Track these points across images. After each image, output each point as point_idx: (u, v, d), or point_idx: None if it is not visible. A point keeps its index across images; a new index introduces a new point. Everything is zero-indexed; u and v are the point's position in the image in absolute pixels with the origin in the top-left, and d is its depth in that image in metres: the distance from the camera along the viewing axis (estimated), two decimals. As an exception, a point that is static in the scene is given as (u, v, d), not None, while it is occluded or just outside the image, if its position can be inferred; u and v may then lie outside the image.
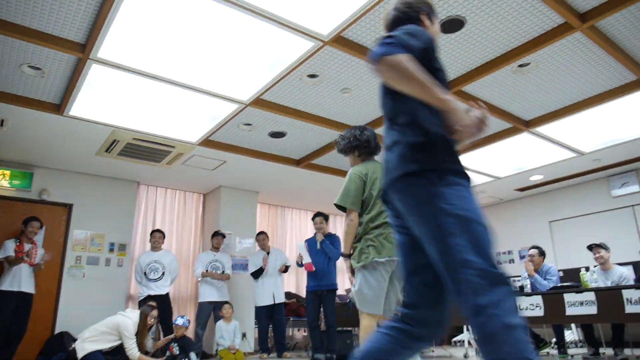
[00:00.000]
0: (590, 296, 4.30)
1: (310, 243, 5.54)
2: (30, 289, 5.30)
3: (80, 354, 4.50)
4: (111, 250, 6.68)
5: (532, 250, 5.72)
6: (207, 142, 5.72)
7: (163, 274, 6.06)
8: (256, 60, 4.02)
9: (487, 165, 6.70)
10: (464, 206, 1.43)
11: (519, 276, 5.82)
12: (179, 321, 5.46)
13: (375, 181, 3.00)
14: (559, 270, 5.85)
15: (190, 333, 6.00)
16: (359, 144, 3.16)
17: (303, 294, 6.94)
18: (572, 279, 5.63)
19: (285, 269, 6.29)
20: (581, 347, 6.23)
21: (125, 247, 6.81)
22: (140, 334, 4.79)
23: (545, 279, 5.45)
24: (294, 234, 8.99)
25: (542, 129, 5.43)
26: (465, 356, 5.43)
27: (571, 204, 7.66)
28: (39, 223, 5.55)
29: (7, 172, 6.08)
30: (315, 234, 5.58)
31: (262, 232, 6.61)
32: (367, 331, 2.84)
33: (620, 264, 5.42)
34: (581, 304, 4.36)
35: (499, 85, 4.57)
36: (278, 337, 6.06)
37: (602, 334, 5.29)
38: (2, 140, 5.51)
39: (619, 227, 6.98)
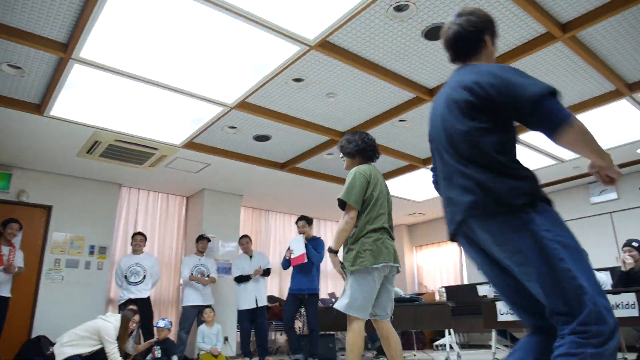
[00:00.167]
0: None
1: (295, 242, 5.54)
2: (6, 292, 5.18)
3: (58, 358, 4.42)
4: (91, 253, 6.58)
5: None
6: (191, 144, 5.68)
7: (144, 277, 5.98)
8: (242, 63, 4.01)
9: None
10: (561, 232, 1.47)
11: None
12: (161, 323, 5.40)
13: (377, 183, 3.03)
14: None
15: (172, 336, 5.93)
16: (365, 147, 3.19)
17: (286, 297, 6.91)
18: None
19: (265, 272, 6.24)
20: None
21: (105, 250, 6.71)
22: (121, 339, 4.72)
23: (525, 284, 5.50)
24: (277, 237, 8.96)
25: (524, 136, 5.51)
26: (447, 360, 5.47)
27: (551, 210, 7.77)
28: (18, 225, 5.42)
29: (-15, 173, 5.96)
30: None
31: (245, 236, 6.58)
32: (357, 335, 2.83)
33: (598, 270, 5.51)
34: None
35: (482, 92, 4.62)
36: (260, 341, 6.03)
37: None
38: (-20, 140, 5.40)
39: (597, 234, 7.12)
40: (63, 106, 4.66)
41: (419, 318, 5.78)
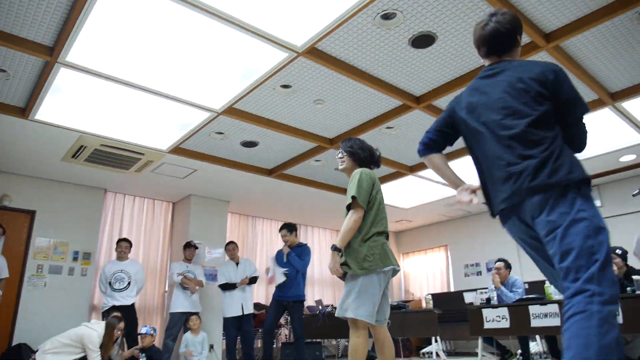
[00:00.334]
0: (554, 308, 4.41)
1: (278, 255, 5.52)
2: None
3: (40, 366, 4.33)
4: (75, 259, 6.48)
5: (499, 263, 5.83)
6: (178, 149, 5.65)
7: (129, 284, 5.90)
8: (229, 69, 4.01)
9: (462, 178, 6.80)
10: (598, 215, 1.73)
11: (486, 288, 5.91)
12: (143, 330, 5.34)
13: (379, 187, 3.04)
14: (524, 283, 5.97)
15: (158, 344, 5.86)
16: (372, 161, 3.22)
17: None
18: (537, 291, 5.75)
19: (252, 281, 6.20)
20: (545, 358, 6.35)
21: (90, 256, 6.62)
22: (105, 347, 4.62)
23: (511, 291, 5.55)
24: (264, 244, 8.92)
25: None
26: (433, 368, 5.48)
27: (536, 218, 7.83)
28: (1, 230, 5.34)
29: (-33, 177, 5.86)
30: (283, 246, 5.57)
31: (231, 242, 6.54)
32: (364, 341, 2.75)
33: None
34: (545, 315, 4.47)
35: (468, 100, 4.67)
36: (246, 349, 5.97)
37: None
38: (-38, 144, 5.31)
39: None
40: (48, 110, 4.61)
41: (406, 325, 5.79)
